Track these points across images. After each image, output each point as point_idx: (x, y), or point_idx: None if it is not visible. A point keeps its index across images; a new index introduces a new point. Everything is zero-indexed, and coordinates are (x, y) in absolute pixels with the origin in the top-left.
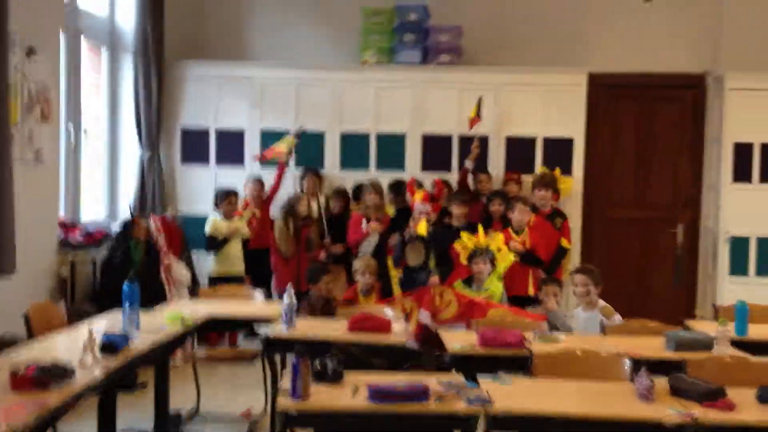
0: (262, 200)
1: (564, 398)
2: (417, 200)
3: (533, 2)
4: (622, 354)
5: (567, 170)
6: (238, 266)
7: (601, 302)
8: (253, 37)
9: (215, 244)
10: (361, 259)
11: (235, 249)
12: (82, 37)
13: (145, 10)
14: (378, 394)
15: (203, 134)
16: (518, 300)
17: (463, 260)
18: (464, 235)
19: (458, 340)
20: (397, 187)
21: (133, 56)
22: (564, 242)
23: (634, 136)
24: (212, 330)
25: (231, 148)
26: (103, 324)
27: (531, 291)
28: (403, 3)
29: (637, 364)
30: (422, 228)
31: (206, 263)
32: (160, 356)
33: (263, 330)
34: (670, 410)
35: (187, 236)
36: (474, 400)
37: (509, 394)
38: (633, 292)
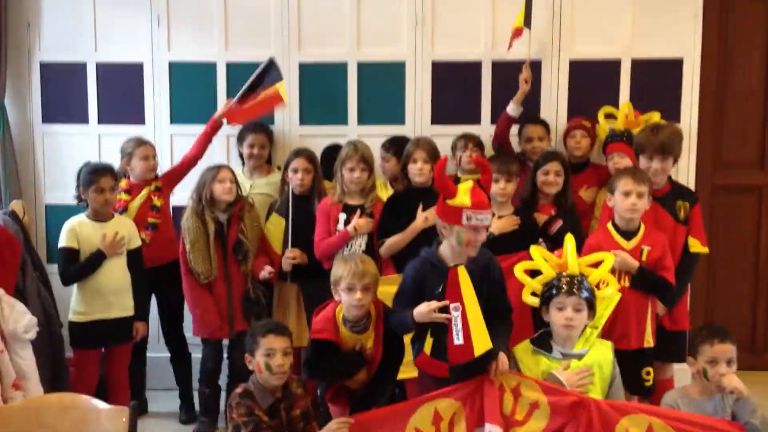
0: (161, 178)
1: None
2: (464, 202)
3: None
4: None
5: (672, 113)
6: (122, 304)
7: None
8: None
9: (77, 268)
10: (348, 262)
11: (115, 273)
12: None
13: None
14: None
15: (77, 72)
16: (626, 361)
17: (529, 299)
18: (535, 251)
19: None
20: (396, 147)
21: None
22: (695, 244)
23: (760, 58)
24: None
25: (124, 94)
26: None
27: (650, 341)
28: None
29: None
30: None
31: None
32: None
33: None
34: None
35: (52, 244)
36: None
37: None
38: (756, 293)
